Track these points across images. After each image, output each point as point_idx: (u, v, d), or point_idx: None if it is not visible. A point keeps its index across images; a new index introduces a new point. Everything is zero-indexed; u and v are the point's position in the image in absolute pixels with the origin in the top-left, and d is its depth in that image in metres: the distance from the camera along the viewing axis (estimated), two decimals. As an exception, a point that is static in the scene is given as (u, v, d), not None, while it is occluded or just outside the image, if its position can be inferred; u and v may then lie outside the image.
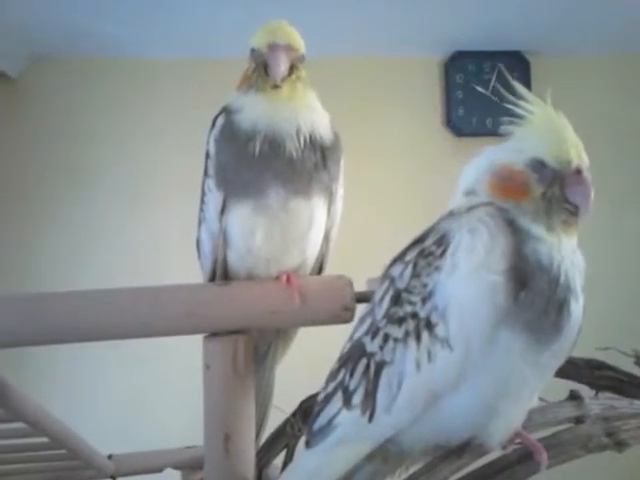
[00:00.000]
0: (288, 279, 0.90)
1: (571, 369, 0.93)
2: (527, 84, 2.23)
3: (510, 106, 0.71)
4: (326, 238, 0.98)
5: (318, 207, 0.93)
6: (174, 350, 1.70)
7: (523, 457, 0.68)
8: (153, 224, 2.08)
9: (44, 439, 0.99)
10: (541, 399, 0.74)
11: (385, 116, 2.21)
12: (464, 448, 0.68)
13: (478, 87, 2.15)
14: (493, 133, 0.72)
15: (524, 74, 2.25)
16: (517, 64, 2.26)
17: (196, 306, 0.88)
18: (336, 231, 1.00)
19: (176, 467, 1.35)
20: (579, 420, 0.72)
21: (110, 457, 1.29)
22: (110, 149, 2.12)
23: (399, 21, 2.06)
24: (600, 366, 0.92)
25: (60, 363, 1.98)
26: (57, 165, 2.10)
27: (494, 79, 2.19)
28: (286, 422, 0.99)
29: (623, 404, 0.74)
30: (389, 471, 0.71)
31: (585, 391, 0.81)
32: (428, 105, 2.25)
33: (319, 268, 1.01)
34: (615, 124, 2.25)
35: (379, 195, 2.14)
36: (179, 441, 1.37)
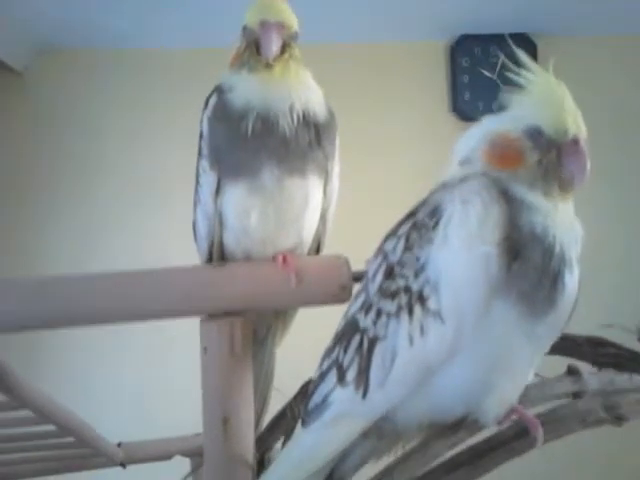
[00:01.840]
0: (284, 260, 0.89)
1: (572, 346, 0.91)
2: (534, 66, 2.20)
3: (511, 75, 0.70)
4: (323, 218, 0.97)
5: (314, 186, 0.92)
6: (183, 336, 1.70)
7: (519, 433, 0.68)
8: (159, 216, 2.08)
9: (51, 427, 1.00)
10: (539, 375, 0.73)
11: (390, 102, 2.20)
12: (460, 424, 0.67)
13: (484, 71, 2.14)
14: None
15: (531, 56, 2.21)
16: (524, 46, 2.20)
17: (192, 288, 0.87)
18: (333, 210, 0.99)
19: (185, 454, 1.36)
20: (577, 395, 0.71)
21: (119, 445, 1.29)
22: (117, 141, 2.12)
23: (403, 5, 2.04)
24: (602, 343, 0.90)
25: (68, 351, 1.99)
26: (63, 158, 2.10)
27: (500, 62, 2.17)
28: (287, 405, 0.98)
29: (623, 379, 0.73)
30: (385, 449, 0.71)
31: (585, 367, 0.80)
32: (434, 90, 2.24)
33: (316, 248, 1.00)
34: (623, 105, 2.22)
35: (384, 180, 2.13)
36: (188, 428, 1.37)
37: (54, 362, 2.00)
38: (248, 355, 0.88)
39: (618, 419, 0.68)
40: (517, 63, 0.71)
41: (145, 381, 1.99)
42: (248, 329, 0.89)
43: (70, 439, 1.08)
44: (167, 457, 1.33)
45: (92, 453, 1.20)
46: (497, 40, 2.23)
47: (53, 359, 2.00)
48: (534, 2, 2.07)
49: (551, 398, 0.72)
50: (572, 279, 0.66)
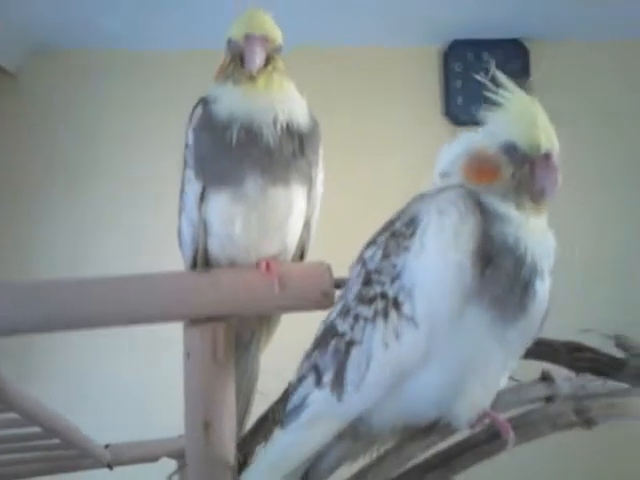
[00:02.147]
0: (268, 266, 0.91)
1: (549, 351, 0.93)
2: (526, 72, 2.22)
3: (487, 92, 0.72)
4: (307, 225, 0.99)
5: (297, 195, 0.94)
6: (170, 339, 1.71)
7: (491, 436, 0.69)
8: (152, 216, 2.08)
9: (37, 429, 1.01)
10: (514, 379, 0.75)
11: (383, 106, 2.21)
12: (433, 427, 0.69)
13: (477, 76, 2.16)
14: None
15: (523, 62, 2.24)
16: (516, 52, 2.25)
17: (176, 294, 0.89)
18: (317, 217, 1.01)
19: (171, 456, 1.37)
20: (550, 399, 0.73)
21: (107, 446, 1.30)
22: (111, 142, 2.11)
23: (396, 10, 2.06)
24: (579, 348, 0.92)
25: (58, 354, 1.99)
26: (57, 158, 2.10)
27: (492, 69, 2.19)
28: (270, 409, 1.00)
29: (595, 384, 0.74)
30: (361, 450, 0.72)
31: (560, 373, 0.82)
32: (427, 94, 2.25)
33: (301, 255, 1.02)
34: (614, 109, 2.24)
35: (375, 183, 2.14)
36: (176, 430, 1.38)
37: (44, 364, 2.00)
38: (230, 360, 0.89)
39: (587, 422, 0.70)
40: (507, 74, 0.73)
41: (138, 384, 1.99)
42: (231, 334, 0.90)
43: (56, 441, 1.10)
44: (154, 459, 1.34)
45: (79, 455, 1.21)
46: (489, 45, 2.25)
47: (43, 361, 2.00)
48: (526, 8, 2.09)
49: (524, 402, 0.73)
50: (543, 288, 0.68)
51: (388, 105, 2.21)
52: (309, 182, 0.96)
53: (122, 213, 2.09)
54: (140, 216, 2.09)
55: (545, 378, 0.75)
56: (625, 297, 2.07)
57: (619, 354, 0.94)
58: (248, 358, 1.02)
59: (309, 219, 0.99)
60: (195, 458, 0.85)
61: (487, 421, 0.70)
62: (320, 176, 0.98)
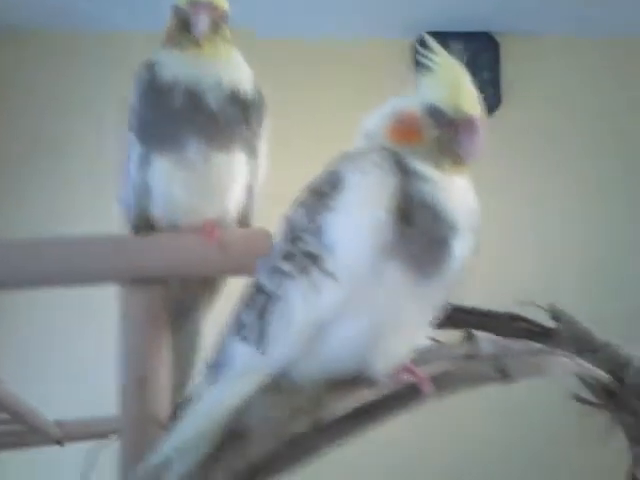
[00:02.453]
0: (209, 230, 0.92)
1: (490, 321, 0.96)
2: (496, 65, 2.26)
3: (419, 58, 0.74)
4: (250, 193, 1.00)
5: (240, 162, 0.95)
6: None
7: (410, 390, 0.71)
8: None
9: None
10: (436, 340, 0.76)
11: (355, 97, 2.22)
12: (353, 381, 0.70)
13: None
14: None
15: (493, 55, 2.27)
16: (487, 45, 2.28)
17: (117, 256, 0.90)
18: (260, 187, 1.02)
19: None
20: (471, 357, 0.74)
21: (57, 422, 1.30)
22: (80, 124, 2.12)
23: (368, 3, 2.08)
24: (516, 318, 0.95)
25: (10, 330, 1.99)
26: (24, 143, 2.10)
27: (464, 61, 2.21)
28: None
29: (519, 345, 0.76)
30: (285, 403, 0.73)
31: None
32: (398, 86, 2.26)
33: (245, 224, 1.02)
34: (584, 105, 2.27)
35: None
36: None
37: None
38: (167, 322, 0.90)
39: (506, 378, 0.72)
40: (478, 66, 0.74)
41: (86, 358, 1.97)
42: (169, 296, 0.91)
43: (5, 415, 1.09)
44: (104, 435, 1.33)
45: (29, 430, 1.21)
46: (461, 38, 2.27)
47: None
48: (497, 2, 2.12)
49: (446, 360, 0.75)
50: (462, 247, 0.69)
51: (360, 96, 2.21)
52: (253, 151, 0.97)
53: (90, 200, 2.08)
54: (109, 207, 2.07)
55: (468, 337, 0.76)
56: (620, 293, 2.10)
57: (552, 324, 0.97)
58: (190, 323, 1.03)
59: (252, 188, 1.00)
60: (129, 416, 0.86)
61: (406, 376, 0.71)
62: (264, 148, 0.99)
